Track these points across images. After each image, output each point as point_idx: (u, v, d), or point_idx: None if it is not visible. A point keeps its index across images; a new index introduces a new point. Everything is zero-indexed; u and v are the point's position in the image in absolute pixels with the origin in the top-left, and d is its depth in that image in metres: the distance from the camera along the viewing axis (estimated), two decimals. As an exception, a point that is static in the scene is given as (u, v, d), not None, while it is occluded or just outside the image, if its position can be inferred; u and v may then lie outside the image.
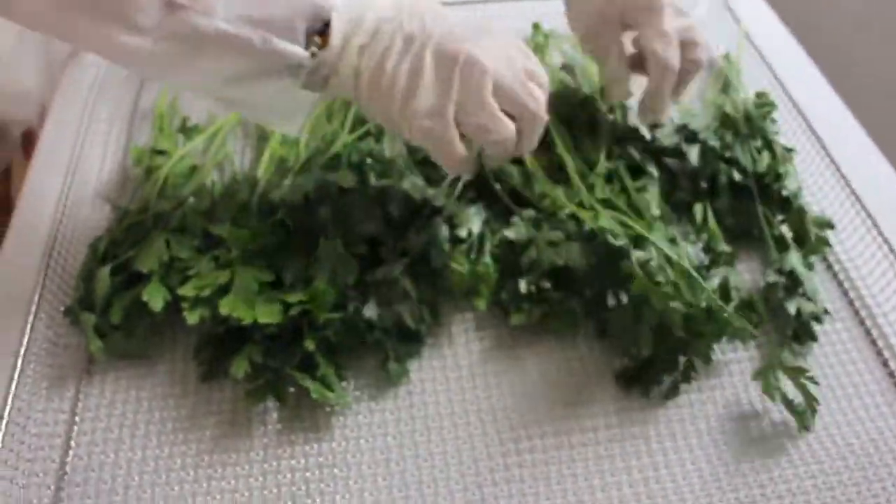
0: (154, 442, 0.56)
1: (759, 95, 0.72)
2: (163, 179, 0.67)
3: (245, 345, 0.56)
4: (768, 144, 0.68)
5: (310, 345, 0.55)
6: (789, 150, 0.69)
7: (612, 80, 0.65)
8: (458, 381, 0.59)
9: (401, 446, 0.55)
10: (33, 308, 0.59)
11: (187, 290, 0.57)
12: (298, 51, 0.50)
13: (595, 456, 0.54)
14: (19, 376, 0.55)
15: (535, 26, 0.83)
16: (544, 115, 0.55)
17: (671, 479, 0.53)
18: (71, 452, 0.55)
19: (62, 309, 0.61)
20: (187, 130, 0.74)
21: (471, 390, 0.58)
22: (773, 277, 0.62)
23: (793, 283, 0.61)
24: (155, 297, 0.58)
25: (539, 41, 0.81)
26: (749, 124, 0.69)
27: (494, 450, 0.55)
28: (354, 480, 0.54)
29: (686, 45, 0.62)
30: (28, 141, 1.08)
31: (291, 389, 0.56)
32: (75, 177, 0.70)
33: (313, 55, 0.51)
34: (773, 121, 0.70)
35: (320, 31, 0.51)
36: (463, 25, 0.53)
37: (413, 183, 0.62)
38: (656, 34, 0.61)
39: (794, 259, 0.63)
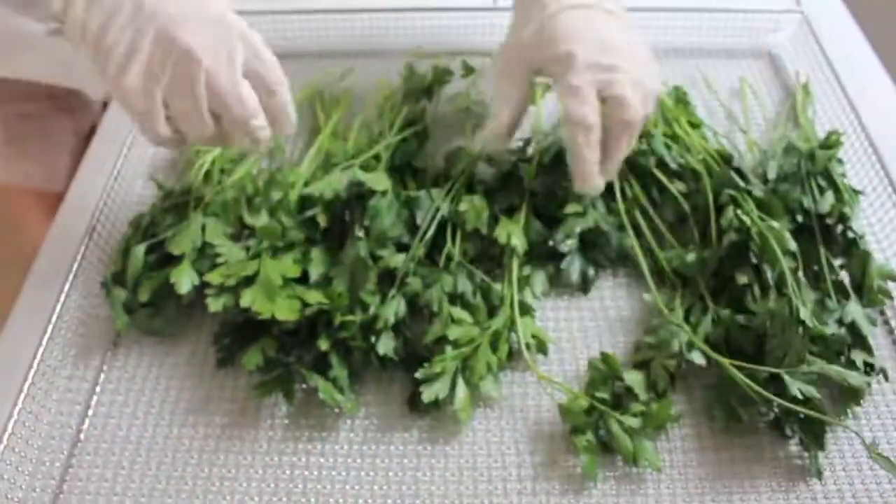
0: (166, 421, 0.57)
1: (831, 134, 0.67)
2: (210, 163, 0.68)
3: (262, 337, 0.57)
4: (833, 184, 0.64)
5: (323, 344, 0.55)
6: (856, 192, 0.64)
7: (494, 125, 0.59)
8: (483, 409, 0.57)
9: (402, 456, 0.55)
10: (70, 277, 0.61)
11: (213, 277, 0.58)
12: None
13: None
14: (48, 342, 0.57)
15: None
16: (252, 125, 0.54)
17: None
18: (87, 421, 0.57)
19: (100, 281, 0.63)
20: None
21: (496, 420, 0.56)
22: (833, 328, 0.57)
23: (855, 337, 0.57)
24: (182, 280, 0.59)
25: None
26: (813, 162, 0.64)
27: (498, 485, 0.53)
28: (352, 486, 0.53)
29: (610, 103, 0.56)
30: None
31: (304, 386, 0.56)
32: (131, 152, 0.71)
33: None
34: (840, 161, 0.66)
35: None
36: (195, 9, 0.52)
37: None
38: (567, 89, 0.55)
39: (855, 310, 0.58)
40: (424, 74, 0.75)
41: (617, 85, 0.55)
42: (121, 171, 0.69)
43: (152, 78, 0.51)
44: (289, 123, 0.57)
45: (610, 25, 0.58)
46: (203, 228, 0.61)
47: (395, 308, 0.56)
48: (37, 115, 0.92)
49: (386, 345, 0.56)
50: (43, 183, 0.98)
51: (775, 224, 0.60)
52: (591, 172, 0.56)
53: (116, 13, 0.50)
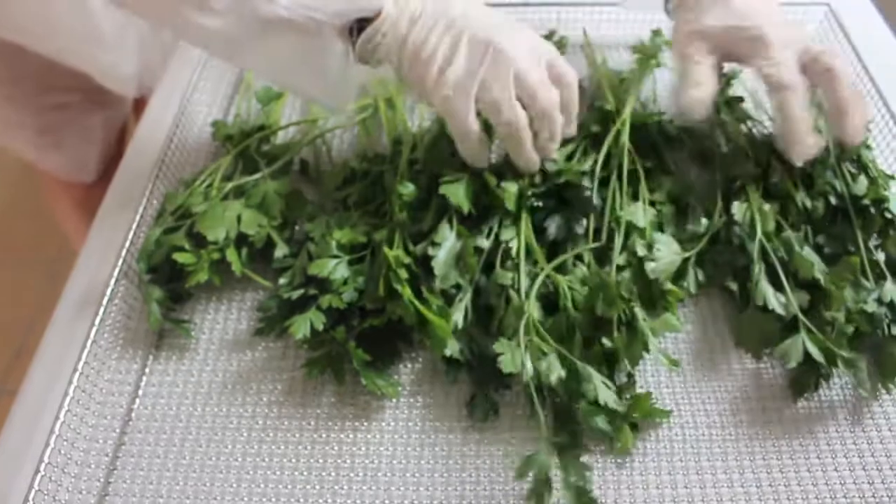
0: (214, 400, 0.58)
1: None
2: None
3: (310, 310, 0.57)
4: (864, 168, 0.65)
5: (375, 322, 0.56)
6: (889, 177, 0.65)
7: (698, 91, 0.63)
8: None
9: (449, 432, 0.56)
10: (119, 262, 0.62)
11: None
12: (344, 32, 0.57)
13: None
14: (99, 324, 0.59)
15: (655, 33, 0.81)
16: (555, 115, 0.59)
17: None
18: (138, 401, 0.58)
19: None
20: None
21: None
22: (872, 307, 0.58)
23: (893, 315, 0.59)
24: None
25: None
26: (842, 149, 0.66)
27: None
28: (399, 461, 0.54)
29: (811, 60, 0.62)
30: (139, 108, 1.15)
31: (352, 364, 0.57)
32: (176, 135, 0.74)
33: (367, 23, 0.56)
34: (868, 147, 0.67)
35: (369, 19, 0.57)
36: (500, 21, 0.59)
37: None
38: (770, 63, 0.61)
39: (892, 290, 0.59)
40: None
41: (823, 54, 0.61)
42: (165, 161, 0.71)
43: (469, 74, 0.57)
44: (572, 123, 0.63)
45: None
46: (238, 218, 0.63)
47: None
48: (70, 107, 0.96)
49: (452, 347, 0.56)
50: (72, 174, 1.02)
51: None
52: (807, 130, 0.61)
53: (433, 28, 0.58)
